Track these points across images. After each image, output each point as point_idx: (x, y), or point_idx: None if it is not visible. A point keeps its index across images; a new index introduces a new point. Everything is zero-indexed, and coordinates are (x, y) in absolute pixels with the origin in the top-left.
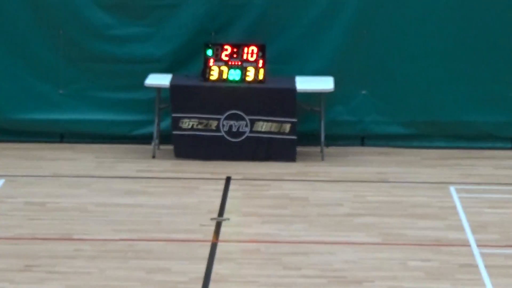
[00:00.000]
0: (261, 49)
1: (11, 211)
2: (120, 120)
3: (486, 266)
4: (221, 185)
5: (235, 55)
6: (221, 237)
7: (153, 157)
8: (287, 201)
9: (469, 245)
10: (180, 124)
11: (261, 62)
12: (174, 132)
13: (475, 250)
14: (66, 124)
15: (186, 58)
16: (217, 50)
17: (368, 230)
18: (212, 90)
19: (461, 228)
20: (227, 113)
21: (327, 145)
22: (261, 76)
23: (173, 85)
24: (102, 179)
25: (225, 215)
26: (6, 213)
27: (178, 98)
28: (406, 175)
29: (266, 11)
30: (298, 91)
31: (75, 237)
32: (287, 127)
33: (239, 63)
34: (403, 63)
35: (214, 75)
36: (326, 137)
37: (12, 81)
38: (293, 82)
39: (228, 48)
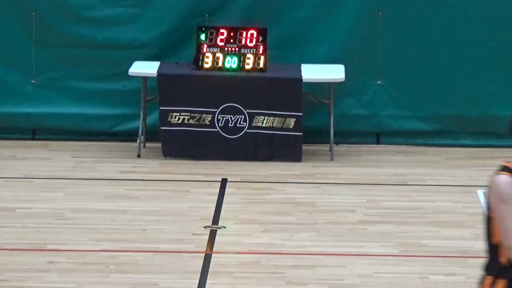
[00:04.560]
0: (262, 33)
1: None
2: (101, 114)
3: None
4: (215, 188)
5: (232, 40)
6: (215, 247)
7: (138, 156)
8: (291, 207)
9: None
10: (169, 119)
11: (261, 48)
12: (162, 128)
13: None
14: (39, 119)
15: (176, 43)
16: (211, 34)
17: (384, 240)
18: (205, 79)
19: None
20: (223, 106)
21: (337, 142)
22: (261, 64)
23: (161, 74)
24: (80, 181)
25: (221, 223)
26: None
27: (166, 89)
28: (428, 177)
29: None
30: (304, 81)
31: (49, 247)
32: (291, 122)
33: (237, 49)
34: (424, 49)
35: (208, 62)
36: (336, 133)
37: None
38: (299, 71)
39: (224, 32)
